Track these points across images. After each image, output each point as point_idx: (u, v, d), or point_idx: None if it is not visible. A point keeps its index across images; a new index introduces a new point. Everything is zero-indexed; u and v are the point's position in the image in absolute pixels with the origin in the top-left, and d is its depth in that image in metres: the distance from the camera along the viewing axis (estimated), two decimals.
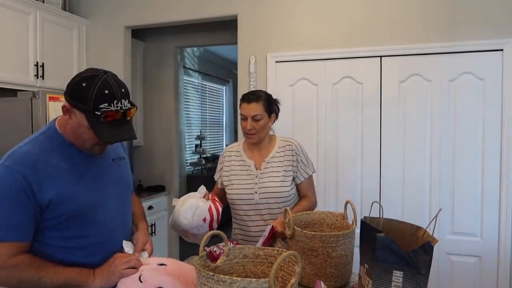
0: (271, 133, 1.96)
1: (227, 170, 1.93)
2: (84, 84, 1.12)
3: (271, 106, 1.87)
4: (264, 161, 1.88)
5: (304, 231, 1.44)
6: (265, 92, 1.90)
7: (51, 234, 1.19)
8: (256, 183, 1.84)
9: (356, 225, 1.51)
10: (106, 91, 1.10)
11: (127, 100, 1.15)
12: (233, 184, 1.89)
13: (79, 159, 1.23)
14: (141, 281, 1.16)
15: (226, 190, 1.92)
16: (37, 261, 1.15)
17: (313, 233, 1.43)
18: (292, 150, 1.88)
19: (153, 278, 1.17)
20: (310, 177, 1.92)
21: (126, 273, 1.18)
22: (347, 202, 1.61)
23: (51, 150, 1.19)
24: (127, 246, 1.32)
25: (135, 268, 1.20)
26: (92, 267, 1.21)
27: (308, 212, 1.72)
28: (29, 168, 1.12)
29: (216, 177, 2.01)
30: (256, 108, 1.81)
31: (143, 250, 1.35)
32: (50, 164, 1.16)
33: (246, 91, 2.91)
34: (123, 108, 1.13)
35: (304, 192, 1.91)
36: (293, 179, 1.88)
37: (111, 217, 1.29)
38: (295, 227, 1.49)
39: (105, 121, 1.12)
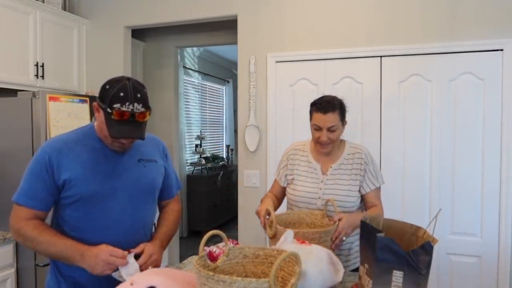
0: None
1: (291, 169, 1.85)
2: (107, 87, 1.31)
3: (344, 113, 1.75)
4: (331, 166, 1.77)
5: (287, 229, 1.44)
6: (338, 99, 1.75)
7: (66, 212, 1.39)
8: (320, 188, 1.75)
9: (338, 222, 1.53)
10: (121, 94, 1.27)
11: (140, 105, 1.30)
12: (296, 184, 1.81)
13: (103, 153, 1.41)
14: (131, 285, 1.16)
15: (288, 188, 1.86)
16: (40, 229, 1.33)
17: (296, 230, 1.43)
18: (362, 159, 1.77)
19: (144, 279, 1.18)
20: (378, 189, 1.78)
21: (103, 273, 1.27)
22: (327, 201, 1.64)
23: (81, 141, 1.40)
24: (130, 258, 1.32)
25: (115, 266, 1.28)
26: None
27: (288, 212, 1.72)
28: (55, 151, 1.35)
29: (276, 174, 1.92)
30: (332, 119, 1.67)
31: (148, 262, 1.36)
32: (74, 152, 1.37)
33: (247, 91, 2.95)
34: (134, 110, 1.28)
35: (371, 202, 1.75)
36: (359, 189, 1.76)
37: (121, 208, 1.41)
38: (277, 226, 1.50)
39: (115, 119, 1.28)
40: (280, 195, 1.92)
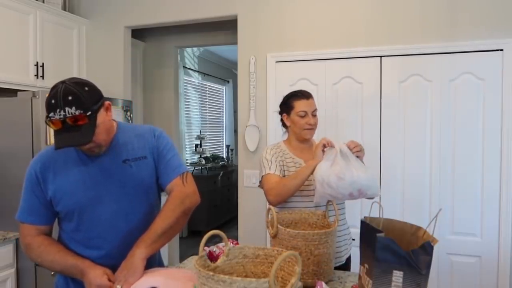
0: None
1: (281, 164, 1.85)
2: (47, 95, 1.23)
3: None
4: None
5: (288, 230, 1.45)
6: None
7: (62, 224, 1.40)
8: (313, 180, 1.74)
9: (338, 223, 1.53)
10: (52, 101, 1.19)
11: (73, 107, 1.19)
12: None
13: (84, 161, 1.36)
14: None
15: None
16: (43, 246, 1.33)
17: (296, 231, 1.43)
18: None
19: (144, 281, 1.19)
20: None
21: None
22: (328, 201, 1.64)
23: (63, 152, 1.35)
24: None
25: None
26: (94, 260, 1.32)
27: (290, 211, 1.72)
28: (40, 166, 1.35)
29: (272, 170, 1.81)
30: (314, 103, 1.84)
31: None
32: (57, 164, 1.35)
33: (247, 91, 2.95)
34: (66, 115, 1.18)
35: None
36: None
37: (111, 215, 1.36)
38: (278, 225, 1.50)
39: (53, 129, 1.21)
40: None
